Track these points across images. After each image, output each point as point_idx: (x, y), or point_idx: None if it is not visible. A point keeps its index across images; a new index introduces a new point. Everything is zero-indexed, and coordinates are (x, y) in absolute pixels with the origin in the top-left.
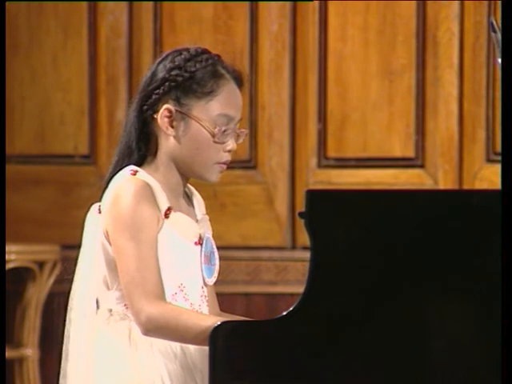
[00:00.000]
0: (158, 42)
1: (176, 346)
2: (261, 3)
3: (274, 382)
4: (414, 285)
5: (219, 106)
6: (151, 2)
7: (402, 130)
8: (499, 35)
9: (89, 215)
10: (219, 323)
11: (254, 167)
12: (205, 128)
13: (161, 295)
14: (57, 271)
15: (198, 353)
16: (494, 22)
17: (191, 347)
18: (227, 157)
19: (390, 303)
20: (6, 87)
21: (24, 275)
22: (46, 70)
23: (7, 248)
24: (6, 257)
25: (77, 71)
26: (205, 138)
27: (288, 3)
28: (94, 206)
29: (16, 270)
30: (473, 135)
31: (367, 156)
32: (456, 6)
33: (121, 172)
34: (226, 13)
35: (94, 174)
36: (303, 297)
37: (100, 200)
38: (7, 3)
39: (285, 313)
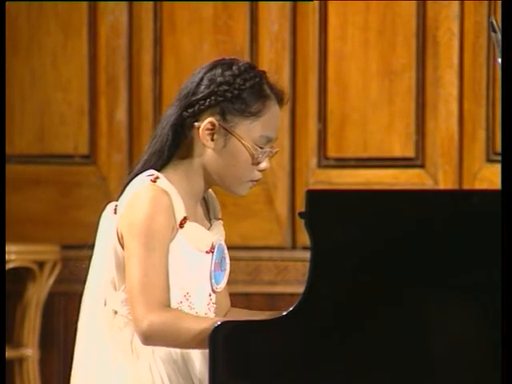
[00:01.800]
0: (158, 42)
1: (177, 353)
2: (261, 3)
3: (273, 382)
4: (414, 284)
5: (262, 128)
6: (151, 2)
7: (402, 130)
8: (499, 35)
9: (104, 214)
10: (219, 323)
11: None
12: (246, 148)
13: (165, 303)
14: (57, 271)
15: (199, 361)
16: (494, 22)
17: (192, 355)
18: (259, 175)
19: (390, 303)
20: (5, 87)
21: (24, 275)
22: (46, 70)
23: (7, 248)
24: (6, 257)
25: (77, 71)
26: (244, 157)
27: (288, 3)
28: (109, 205)
29: (16, 270)
30: (473, 135)
31: (367, 156)
32: (456, 5)
33: (141, 176)
34: (226, 13)
35: (94, 174)
36: (303, 297)
37: (117, 199)
38: (7, 3)
39: (285, 313)
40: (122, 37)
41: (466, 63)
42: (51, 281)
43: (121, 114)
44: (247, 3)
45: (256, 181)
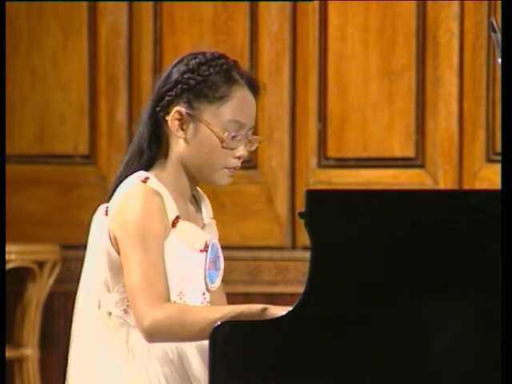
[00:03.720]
0: (158, 42)
1: (173, 353)
2: (261, 3)
3: (273, 381)
4: (414, 284)
5: (230, 112)
6: (151, 2)
7: (402, 130)
8: (499, 35)
9: (95, 216)
10: (219, 323)
11: (254, 167)
12: (214, 133)
13: (166, 299)
14: (57, 271)
15: (196, 360)
16: (494, 22)
17: (189, 355)
18: (236, 163)
19: (390, 303)
20: (5, 87)
21: (24, 275)
22: (46, 70)
23: (7, 248)
24: (6, 257)
25: (77, 71)
26: (213, 142)
27: (288, 3)
28: (101, 207)
29: (16, 270)
30: (473, 135)
31: (367, 156)
32: (456, 5)
33: (131, 177)
34: (226, 13)
35: (94, 173)
36: (303, 297)
37: (108, 201)
38: (7, 3)
39: (285, 313)
40: (122, 37)
41: (465, 63)
42: (51, 281)
43: (121, 114)
44: (247, 3)
45: (234, 168)
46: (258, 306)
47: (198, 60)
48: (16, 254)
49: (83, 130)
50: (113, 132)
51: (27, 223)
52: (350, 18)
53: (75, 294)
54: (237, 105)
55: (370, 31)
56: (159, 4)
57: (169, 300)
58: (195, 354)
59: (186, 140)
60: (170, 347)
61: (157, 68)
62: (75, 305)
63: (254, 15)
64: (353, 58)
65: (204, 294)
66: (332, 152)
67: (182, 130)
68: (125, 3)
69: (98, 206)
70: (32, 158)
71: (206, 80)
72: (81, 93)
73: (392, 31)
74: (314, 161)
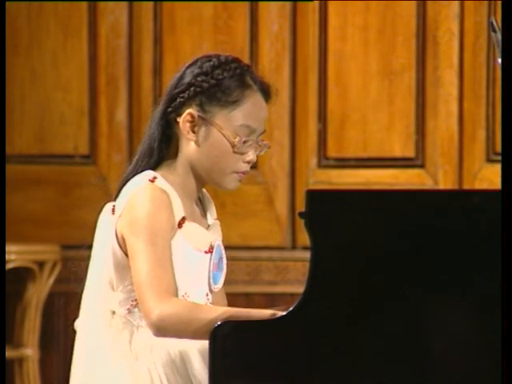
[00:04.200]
0: (158, 42)
1: (175, 353)
2: (261, 3)
3: (273, 381)
4: (414, 284)
5: (242, 117)
6: (151, 2)
7: (402, 130)
8: (499, 35)
9: (102, 215)
10: (219, 323)
11: (254, 167)
12: (225, 137)
13: (174, 294)
14: (57, 271)
15: (198, 361)
16: (494, 22)
17: (191, 356)
18: (246, 167)
19: (390, 303)
20: (5, 87)
21: (24, 275)
22: (45, 70)
23: (7, 248)
24: (6, 257)
25: (77, 71)
26: (224, 146)
27: (288, 3)
28: (107, 206)
29: (16, 270)
30: (473, 135)
31: (367, 156)
32: (456, 5)
33: (138, 177)
34: (226, 13)
35: (94, 173)
36: (303, 297)
37: (114, 199)
38: (7, 3)
39: (285, 313)
40: (122, 37)
41: (466, 63)
42: (51, 281)
43: (121, 114)
44: (247, 3)
45: (243, 173)
46: (267, 312)
47: (211, 63)
48: (16, 254)
49: (83, 130)
50: (113, 132)
51: (27, 223)
52: (349, 18)
53: (75, 294)
54: (249, 110)
55: (369, 31)
56: (159, 4)
57: (176, 295)
58: (197, 355)
59: (196, 142)
60: (173, 348)
61: (157, 68)
62: (81, 303)
63: (254, 15)
64: (353, 58)
65: (207, 295)
66: (332, 152)
67: (194, 132)
68: (125, 3)
69: (104, 204)
70: (32, 158)
71: (220, 84)
72: (81, 93)
73: (392, 31)
74: (314, 161)
